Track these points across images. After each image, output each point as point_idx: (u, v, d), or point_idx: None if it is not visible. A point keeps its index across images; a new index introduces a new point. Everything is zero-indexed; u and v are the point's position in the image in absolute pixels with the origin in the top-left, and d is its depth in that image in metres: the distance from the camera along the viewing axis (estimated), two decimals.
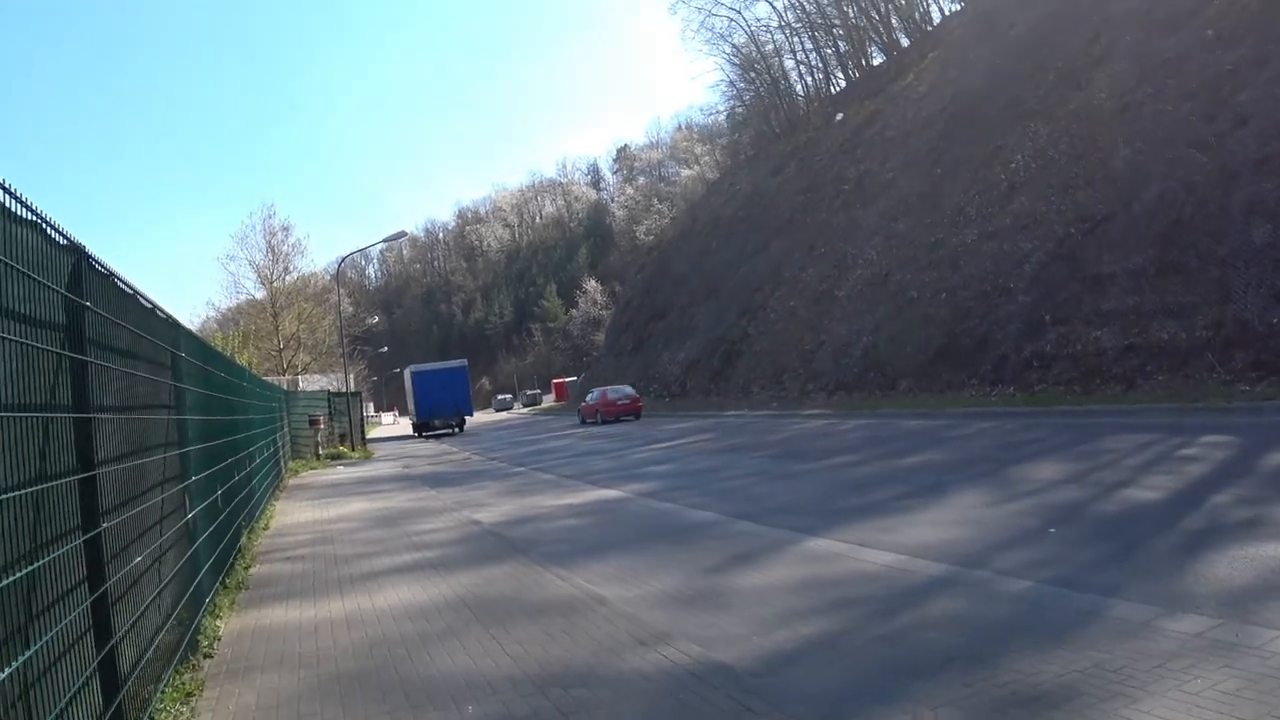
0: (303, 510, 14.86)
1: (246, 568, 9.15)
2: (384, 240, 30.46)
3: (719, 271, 49.48)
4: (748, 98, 69.09)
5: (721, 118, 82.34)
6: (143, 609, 4.64)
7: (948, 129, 35.23)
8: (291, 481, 21.86)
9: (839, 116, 50.86)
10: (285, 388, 31.29)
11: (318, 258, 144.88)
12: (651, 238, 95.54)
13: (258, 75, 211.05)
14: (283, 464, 21.56)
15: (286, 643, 6.51)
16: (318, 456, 28.84)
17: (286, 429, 24.94)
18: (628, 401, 38.40)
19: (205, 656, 6.22)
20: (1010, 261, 24.83)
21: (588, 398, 42.06)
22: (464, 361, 49.94)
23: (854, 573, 7.00)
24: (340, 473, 23.82)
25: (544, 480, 16.93)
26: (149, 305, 5.71)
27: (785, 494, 11.74)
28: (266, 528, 12.66)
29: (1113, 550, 6.73)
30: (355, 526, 12.09)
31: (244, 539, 10.02)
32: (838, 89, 61.44)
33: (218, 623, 7.09)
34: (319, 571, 8.81)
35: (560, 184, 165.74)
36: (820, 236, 39.80)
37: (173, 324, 6.41)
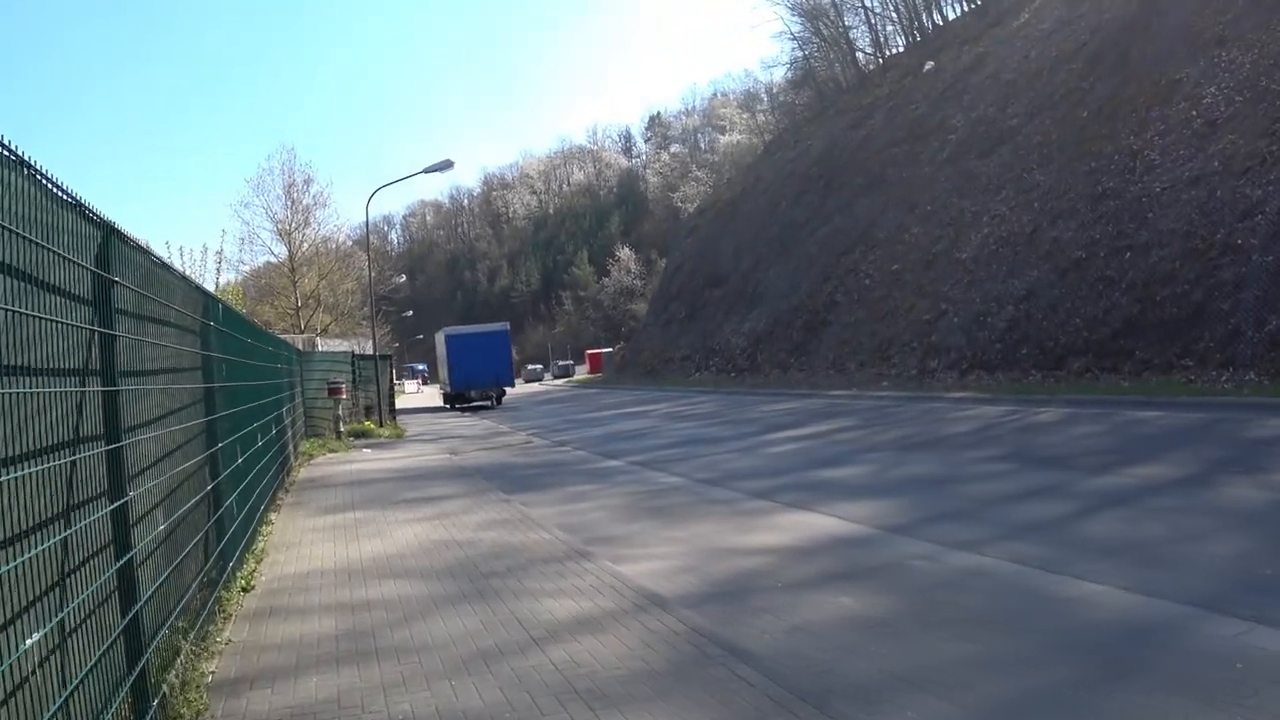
0: (316, 539, 9.32)
1: None
2: (427, 170, 25.14)
3: (790, 234, 44.06)
4: (810, 50, 63.23)
5: (768, 79, 76.69)
6: None
7: (1090, 67, 29.61)
8: (303, 473, 16.27)
9: (929, 65, 45.16)
10: (301, 347, 26.05)
11: (340, 212, 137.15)
12: (690, 205, 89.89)
13: (281, 31, 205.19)
14: (292, 448, 16.19)
15: None
16: (338, 434, 23.51)
17: (300, 400, 19.69)
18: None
19: None
20: (1231, 212, 19.41)
21: None
22: (505, 325, 44.30)
23: None
24: (368, 459, 18.43)
25: (673, 487, 11.72)
26: None
27: (1230, 551, 6.47)
28: (249, 587, 7.12)
29: None
30: (415, 595, 6.64)
31: (182, 656, 4.62)
32: (915, 39, 55.73)
33: None
34: None
35: (591, 151, 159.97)
36: (924, 192, 34.24)
37: None
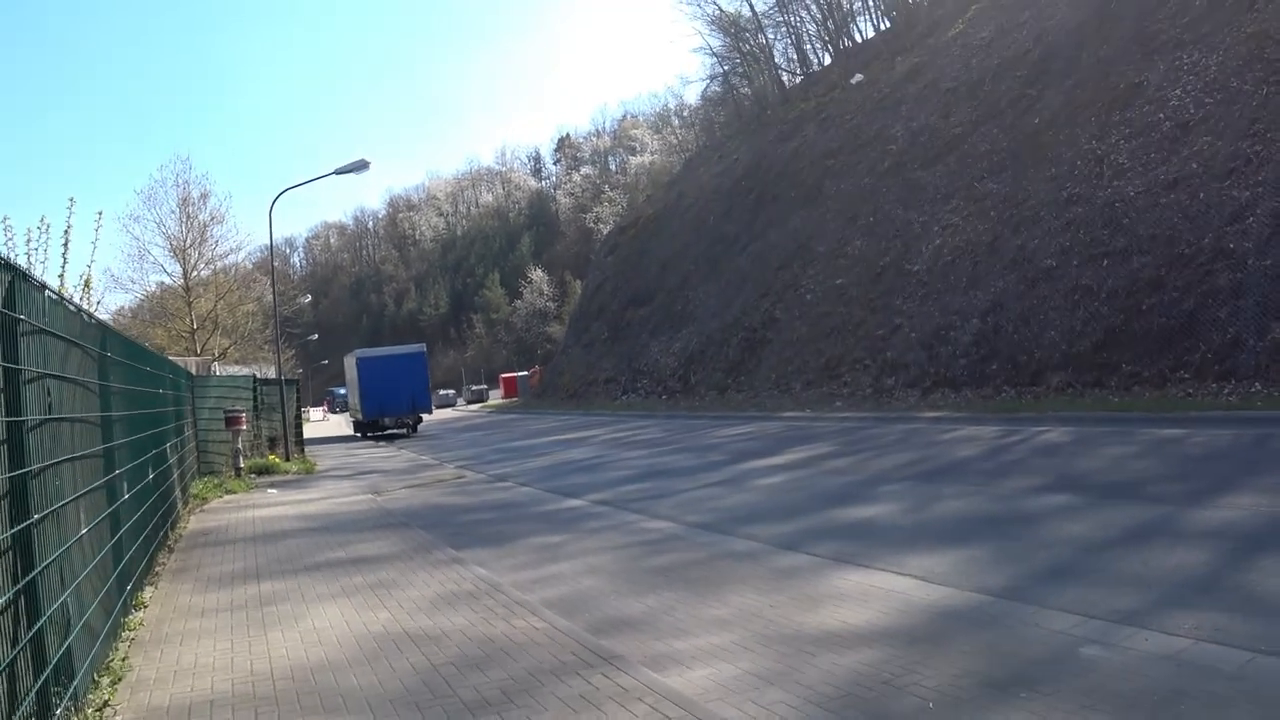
0: (205, 631, 6.55)
1: None
2: (339, 171, 22.51)
3: (720, 249, 42.42)
4: (731, 65, 62.17)
5: (684, 97, 75.67)
6: None
7: (1036, 74, 28.69)
8: (193, 523, 13.14)
9: (857, 77, 44.17)
10: (195, 370, 22.86)
11: (239, 228, 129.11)
12: (604, 226, 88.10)
13: (177, 50, 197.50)
14: (179, 493, 13.42)
15: None
16: (237, 472, 20.44)
17: (192, 432, 16.83)
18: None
19: None
20: (1218, 216, 18.27)
21: None
22: (422, 346, 41.43)
23: None
24: (274, 503, 15.45)
25: (669, 535, 9.54)
26: None
27: None
28: None
29: None
30: None
31: None
32: (840, 52, 55.04)
33: None
34: None
35: (499, 172, 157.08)
36: (865, 204, 32.90)
37: None
